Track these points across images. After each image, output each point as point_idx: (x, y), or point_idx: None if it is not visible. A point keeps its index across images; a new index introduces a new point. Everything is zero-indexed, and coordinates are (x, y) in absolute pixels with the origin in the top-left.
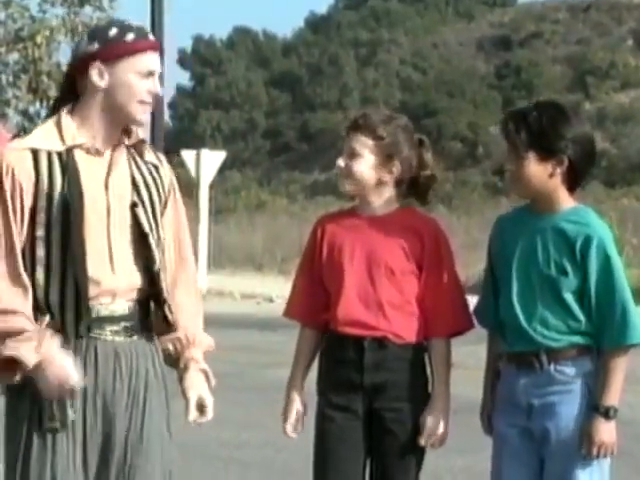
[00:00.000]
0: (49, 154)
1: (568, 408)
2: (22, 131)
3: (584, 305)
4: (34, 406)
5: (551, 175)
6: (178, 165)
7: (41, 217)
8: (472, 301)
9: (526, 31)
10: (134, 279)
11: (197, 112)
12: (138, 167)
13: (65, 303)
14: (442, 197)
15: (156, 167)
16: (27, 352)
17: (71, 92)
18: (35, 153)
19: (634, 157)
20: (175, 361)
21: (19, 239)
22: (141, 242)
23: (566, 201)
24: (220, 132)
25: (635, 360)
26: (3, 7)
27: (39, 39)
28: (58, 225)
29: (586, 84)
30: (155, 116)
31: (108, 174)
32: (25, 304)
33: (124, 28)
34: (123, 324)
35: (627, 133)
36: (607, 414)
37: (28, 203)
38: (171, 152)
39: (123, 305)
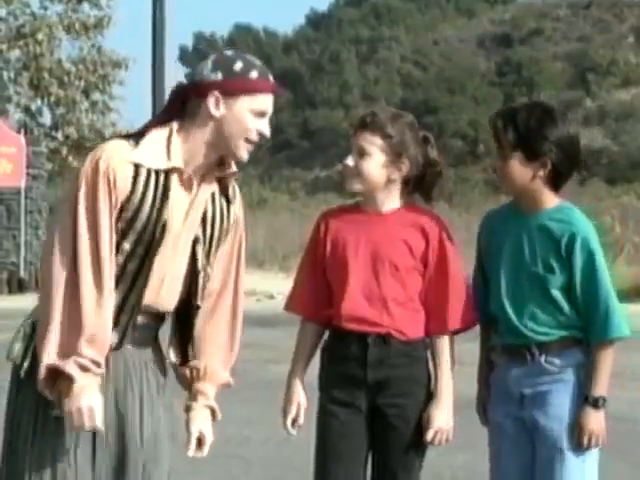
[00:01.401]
0: (149, 172)
1: (558, 397)
2: (23, 127)
3: (572, 300)
4: (41, 394)
5: (534, 177)
6: None
7: (120, 226)
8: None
9: (527, 28)
10: (170, 305)
11: None
12: (213, 201)
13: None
14: (443, 194)
15: (228, 202)
16: (76, 373)
17: (177, 109)
18: (137, 168)
19: (635, 154)
20: (188, 387)
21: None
22: (191, 276)
23: (550, 200)
24: None
25: (631, 356)
26: (4, 4)
27: (40, 36)
28: (132, 238)
29: (587, 81)
30: (156, 114)
31: (190, 206)
32: (107, 321)
33: (249, 64)
34: (140, 335)
35: (628, 130)
36: (596, 404)
37: (116, 210)
38: None
39: (147, 319)
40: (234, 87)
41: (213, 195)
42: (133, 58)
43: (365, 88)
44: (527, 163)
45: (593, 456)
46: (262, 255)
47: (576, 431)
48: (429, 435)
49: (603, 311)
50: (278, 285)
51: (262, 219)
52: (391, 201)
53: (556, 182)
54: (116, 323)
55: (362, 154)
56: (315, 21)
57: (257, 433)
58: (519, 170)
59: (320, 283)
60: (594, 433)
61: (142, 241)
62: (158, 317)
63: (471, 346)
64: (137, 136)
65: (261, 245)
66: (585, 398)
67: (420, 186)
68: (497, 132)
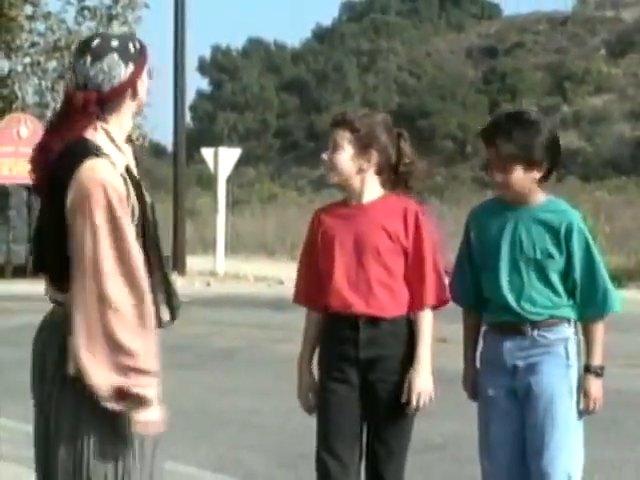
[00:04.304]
0: (124, 172)
1: (548, 367)
2: None
3: (567, 283)
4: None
5: (533, 180)
6: (199, 161)
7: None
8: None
9: (510, 41)
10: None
11: (215, 114)
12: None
13: (157, 297)
14: (434, 190)
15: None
16: (152, 394)
17: (96, 113)
18: (121, 175)
19: (607, 154)
20: None
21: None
22: (156, 234)
23: (538, 194)
24: (236, 132)
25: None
26: (43, 20)
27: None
28: (141, 232)
29: (564, 89)
30: (177, 118)
31: (140, 176)
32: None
33: (133, 40)
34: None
35: (600, 133)
36: (597, 373)
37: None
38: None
39: None
40: (143, 67)
41: None
42: (157, 68)
43: (365, 95)
44: (528, 172)
45: (579, 423)
46: (272, 245)
47: (581, 398)
48: (413, 398)
49: (602, 290)
50: (287, 272)
51: (272, 213)
52: (371, 193)
53: (545, 178)
54: (166, 304)
55: (335, 148)
56: (320, 35)
57: (267, 404)
58: (522, 179)
59: (316, 275)
60: (597, 398)
61: (146, 228)
62: None
63: (458, 327)
64: (96, 149)
65: (272, 236)
66: (587, 369)
67: (396, 177)
68: (491, 150)
